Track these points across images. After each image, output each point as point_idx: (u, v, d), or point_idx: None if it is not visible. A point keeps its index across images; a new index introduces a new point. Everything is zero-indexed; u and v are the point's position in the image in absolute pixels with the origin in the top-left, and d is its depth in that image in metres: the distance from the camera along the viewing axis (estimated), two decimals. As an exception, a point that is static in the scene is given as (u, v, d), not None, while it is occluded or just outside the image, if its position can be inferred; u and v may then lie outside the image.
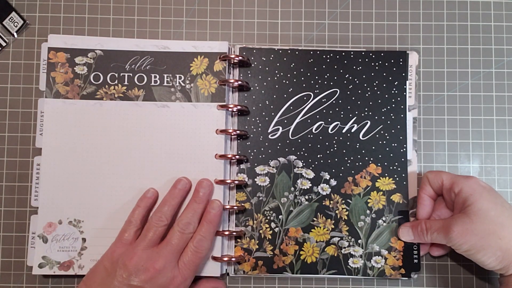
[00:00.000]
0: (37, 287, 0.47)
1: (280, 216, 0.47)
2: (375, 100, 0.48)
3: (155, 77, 0.47)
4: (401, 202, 0.48)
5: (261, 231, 0.47)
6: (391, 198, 0.48)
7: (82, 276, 0.43)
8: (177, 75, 0.47)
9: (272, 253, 0.47)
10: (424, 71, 0.49)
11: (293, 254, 0.47)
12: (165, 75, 0.47)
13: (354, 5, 0.50)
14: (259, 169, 0.48)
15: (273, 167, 0.48)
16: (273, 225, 0.47)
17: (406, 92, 0.48)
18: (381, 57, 0.49)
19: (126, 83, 0.47)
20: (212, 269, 0.46)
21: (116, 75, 0.47)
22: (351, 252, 0.47)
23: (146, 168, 0.46)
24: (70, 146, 0.46)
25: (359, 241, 0.47)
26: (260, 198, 0.47)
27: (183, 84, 0.47)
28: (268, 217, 0.47)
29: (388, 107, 0.48)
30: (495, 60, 0.49)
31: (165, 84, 0.47)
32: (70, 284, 0.47)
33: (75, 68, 0.47)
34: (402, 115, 0.48)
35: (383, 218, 0.47)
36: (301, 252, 0.47)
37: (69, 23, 0.49)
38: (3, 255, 0.47)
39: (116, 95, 0.47)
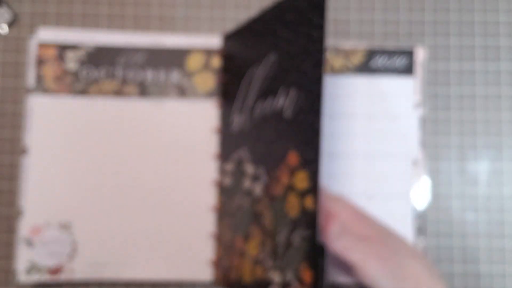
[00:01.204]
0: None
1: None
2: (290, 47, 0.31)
3: (149, 73, 0.46)
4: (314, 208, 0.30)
5: None
6: (304, 203, 0.30)
7: (74, 280, 0.42)
8: (173, 71, 0.46)
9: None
10: (428, 70, 0.48)
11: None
12: (160, 71, 0.46)
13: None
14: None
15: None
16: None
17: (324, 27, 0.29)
18: None
19: (119, 79, 0.45)
20: None
21: (109, 71, 0.45)
22: (272, 277, 0.33)
23: (140, 167, 0.45)
24: (60, 145, 0.45)
25: (277, 262, 0.32)
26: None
27: (178, 81, 0.46)
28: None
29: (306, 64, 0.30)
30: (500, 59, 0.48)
31: (160, 80, 0.46)
32: (61, 288, 0.46)
33: (65, 64, 0.45)
34: (319, 76, 0.28)
35: (297, 232, 0.31)
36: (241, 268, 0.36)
37: (61, 18, 0.48)
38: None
39: (108, 92, 0.45)
